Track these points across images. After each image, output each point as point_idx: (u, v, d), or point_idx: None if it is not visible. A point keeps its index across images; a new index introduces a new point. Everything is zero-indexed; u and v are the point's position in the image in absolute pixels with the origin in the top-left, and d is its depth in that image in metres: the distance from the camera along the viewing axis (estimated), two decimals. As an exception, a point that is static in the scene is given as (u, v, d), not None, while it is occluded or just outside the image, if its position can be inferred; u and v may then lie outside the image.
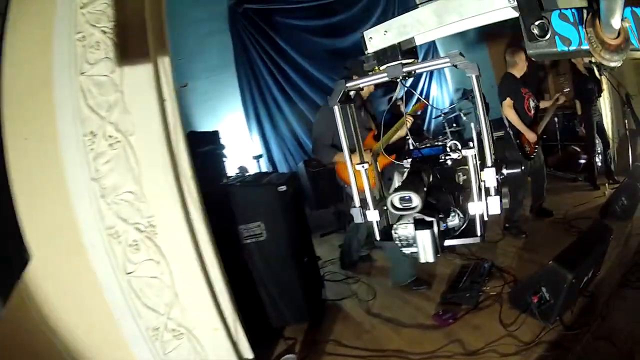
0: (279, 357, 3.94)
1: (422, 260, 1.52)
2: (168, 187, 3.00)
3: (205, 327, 3.22)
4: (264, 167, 8.86)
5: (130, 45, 2.95)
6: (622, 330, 3.53)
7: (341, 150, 4.67)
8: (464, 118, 9.54)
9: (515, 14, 1.28)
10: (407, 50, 1.56)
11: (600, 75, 7.25)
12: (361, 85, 4.44)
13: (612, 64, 1.25)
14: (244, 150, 8.52)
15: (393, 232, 1.57)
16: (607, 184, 7.37)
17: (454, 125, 9.74)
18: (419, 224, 1.50)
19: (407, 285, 4.99)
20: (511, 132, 5.76)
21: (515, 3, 1.26)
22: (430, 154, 1.85)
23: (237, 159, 7.91)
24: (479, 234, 1.59)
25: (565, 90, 6.06)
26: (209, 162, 4.99)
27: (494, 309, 4.26)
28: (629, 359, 3.23)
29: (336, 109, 1.60)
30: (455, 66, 1.52)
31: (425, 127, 10.60)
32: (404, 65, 1.56)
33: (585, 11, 1.24)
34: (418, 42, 1.56)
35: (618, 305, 3.91)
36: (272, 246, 4.09)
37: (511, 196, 5.05)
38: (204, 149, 4.94)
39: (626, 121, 7.31)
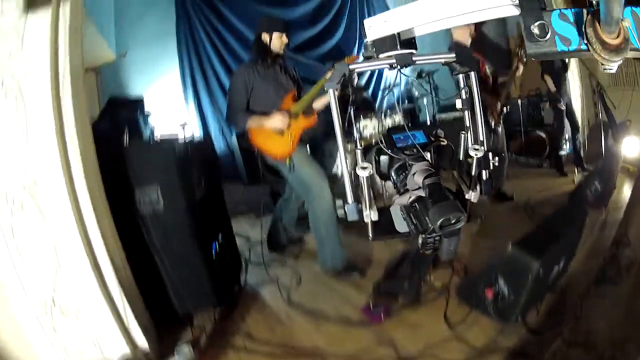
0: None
1: (444, 258, 1.67)
2: (50, 141, 3.00)
3: (90, 307, 3.17)
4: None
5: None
6: (600, 333, 3.16)
7: (256, 114, 4.60)
8: (417, 94, 9.63)
9: (516, 12, 1.37)
10: (405, 41, 1.67)
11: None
12: (278, 47, 4.41)
13: (612, 64, 1.38)
14: (179, 122, 8.31)
15: (420, 238, 1.68)
16: (575, 172, 7.52)
17: (406, 102, 9.83)
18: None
19: (337, 271, 4.81)
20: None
21: (517, 1, 1.34)
22: (423, 143, 1.91)
23: (171, 132, 7.85)
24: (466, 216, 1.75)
25: (524, 59, 6.04)
26: (128, 127, 4.86)
27: (438, 305, 3.87)
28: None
29: (331, 92, 1.65)
30: (460, 62, 1.66)
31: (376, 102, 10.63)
32: (413, 55, 1.67)
33: (585, 11, 1.34)
34: (417, 33, 1.66)
35: (594, 304, 3.56)
36: (170, 217, 3.78)
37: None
38: (123, 116, 4.89)
39: (599, 112, 7.49)
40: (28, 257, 3.05)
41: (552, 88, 7.68)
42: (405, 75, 1.73)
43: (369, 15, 9.68)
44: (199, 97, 9.09)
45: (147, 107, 5.74)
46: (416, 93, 9.63)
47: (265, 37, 4.83)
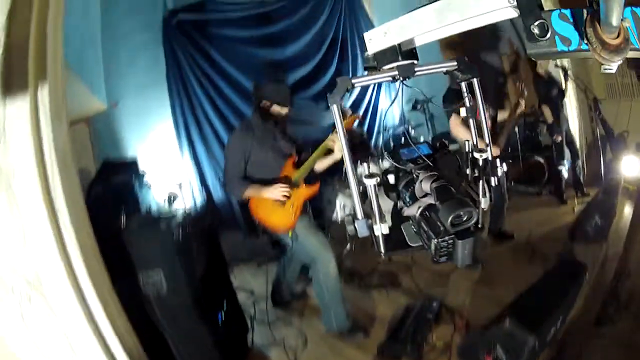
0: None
1: (460, 265, 1.66)
2: (47, 236, 2.98)
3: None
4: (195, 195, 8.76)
5: (14, 76, 2.89)
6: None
7: (255, 182, 4.50)
8: (413, 132, 9.60)
9: (515, 14, 1.39)
10: (406, 52, 1.69)
11: (566, 80, 7.40)
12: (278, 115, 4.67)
13: (612, 64, 1.40)
14: (175, 173, 8.39)
15: (433, 244, 1.66)
16: (575, 198, 7.52)
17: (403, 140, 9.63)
18: (461, 233, 1.63)
19: (342, 333, 4.83)
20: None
21: (515, 3, 1.36)
22: (428, 154, 1.94)
23: (167, 184, 7.78)
24: (480, 225, 1.75)
25: (524, 94, 6.07)
26: (123, 195, 4.91)
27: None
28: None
29: (335, 107, 1.66)
30: (462, 70, 1.68)
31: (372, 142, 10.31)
32: (414, 65, 1.69)
33: (585, 11, 1.37)
34: (418, 43, 1.69)
35: (594, 347, 3.66)
36: (174, 297, 3.83)
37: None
38: (118, 180, 4.90)
39: (597, 128, 7.52)
40: (42, 344, 3.05)
41: (550, 119, 7.72)
42: (408, 87, 1.74)
43: (361, 48, 9.63)
44: (194, 146, 8.87)
45: (142, 165, 5.77)
46: (412, 132, 9.58)
47: (265, 103, 4.76)
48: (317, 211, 6.22)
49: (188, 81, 8.71)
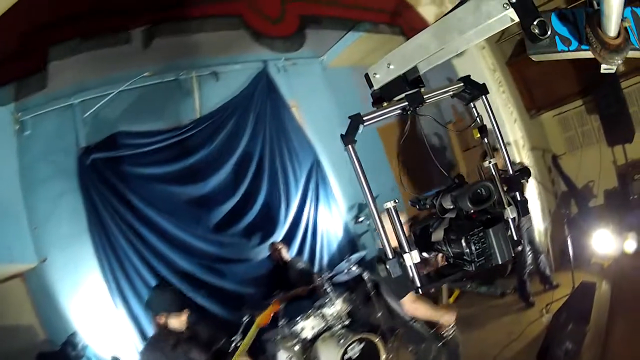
0: None
1: (501, 261, 1.70)
2: None
3: None
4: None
5: None
6: None
7: None
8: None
9: (512, 21, 1.49)
10: (412, 80, 1.78)
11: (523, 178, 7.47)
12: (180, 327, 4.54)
13: (612, 64, 1.52)
14: (113, 331, 7.98)
15: (465, 248, 1.72)
16: (543, 294, 7.56)
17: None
18: (488, 223, 1.72)
19: None
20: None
21: (511, 7, 1.44)
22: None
23: (108, 345, 7.63)
24: (515, 238, 1.83)
25: None
26: None
27: None
28: None
29: (350, 148, 1.72)
30: (467, 92, 1.79)
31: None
32: (422, 93, 1.79)
33: (585, 12, 1.50)
34: (422, 69, 1.78)
35: None
36: None
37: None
38: None
39: (554, 186, 7.77)
40: None
41: None
42: (419, 115, 1.83)
43: (291, 162, 9.67)
44: (129, 303, 8.24)
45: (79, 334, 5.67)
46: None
47: (160, 318, 4.60)
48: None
49: (110, 231, 8.27)
